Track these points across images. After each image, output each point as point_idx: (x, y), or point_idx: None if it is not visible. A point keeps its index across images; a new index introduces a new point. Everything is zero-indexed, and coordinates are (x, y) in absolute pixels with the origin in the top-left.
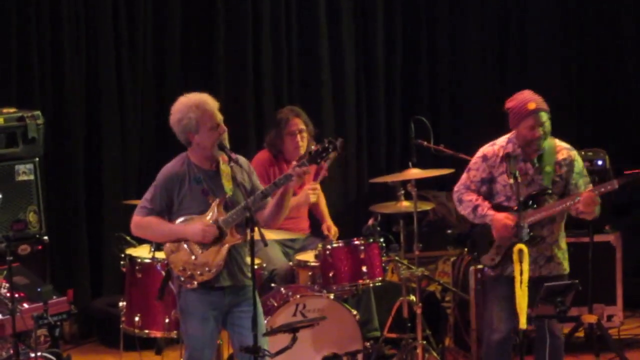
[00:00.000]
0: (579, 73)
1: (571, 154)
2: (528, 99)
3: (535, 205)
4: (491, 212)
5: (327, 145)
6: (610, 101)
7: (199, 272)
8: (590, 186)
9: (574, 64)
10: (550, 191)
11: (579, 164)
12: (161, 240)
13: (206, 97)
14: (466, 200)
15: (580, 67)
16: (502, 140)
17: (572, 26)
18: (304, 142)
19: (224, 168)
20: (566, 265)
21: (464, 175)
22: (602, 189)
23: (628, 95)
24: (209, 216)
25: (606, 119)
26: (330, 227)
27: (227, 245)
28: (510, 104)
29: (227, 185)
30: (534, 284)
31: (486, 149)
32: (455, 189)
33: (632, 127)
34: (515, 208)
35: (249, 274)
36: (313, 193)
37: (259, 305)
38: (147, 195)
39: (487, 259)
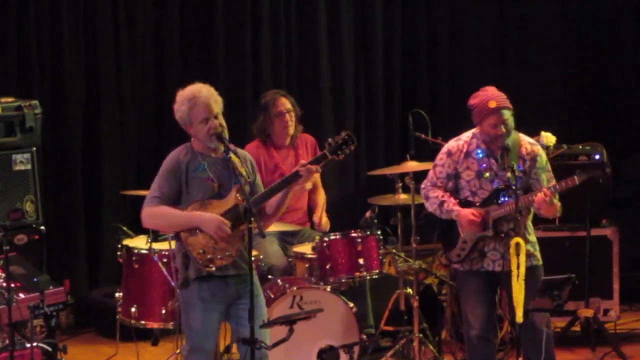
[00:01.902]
0: (578, 66)
1: (534, 149)
2: (489, 97)
3: (497, 202)
4: (457, 207)
5: (346, 137)
6: (609, 95)
7: (219, 256)
8: (553, 181)
9: (573, 57)
10: (514, 187)
11: (542, 158)
12: (175, 229)
13: (201, 89)
14: (432, 196)
15: (580, 60)
16: (467, 135)
17: (571, 19)
18: (292, 123)
19: (234, 155)
20: (539, 256)
21: (430, 172)
22: (564, 185)
23: (627, 89)
24: (230, 202)
25: (604, 112)
26: (320, 217)
27: (245, 231)
28: (472, 101)
29: (243, 171)
30: (507, 277)
31: (451, 144)
32: (422, 185)
33: (630, 121)
34: (479, 203)
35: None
36: (309, 183)
37: (262, 295)
38: (155, 185)
39: (454, 254)
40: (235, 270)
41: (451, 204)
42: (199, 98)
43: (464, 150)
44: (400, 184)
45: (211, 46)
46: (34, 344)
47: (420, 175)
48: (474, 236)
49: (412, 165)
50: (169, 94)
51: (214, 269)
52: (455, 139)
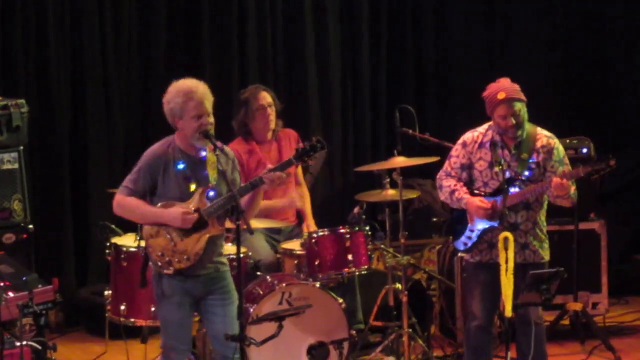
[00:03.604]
0: (566, 60)
1: (551, 142)
2: (500, 88)
3: (507, 192)
4: (466, 196)
5: (315, 143)
6: (596, 89)
7: (176, 259)
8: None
9: (560, 51)
10: (522, 178)
11: (559, 151)
12: (140, 221)
13: (197, 85)
14: (445, 185)
15: (567, 54)
16: (483, 127)
17: (557, 14)
18: (273, 117)
19: (210, 157)
20: (544, 253)
21: (446, 162)
22: (569, 176)
23: (614, 84)
24: (192, 204)
25: (592, 107)
26: (309, 227)
27: (207, 235)
28: (484, 93)
29: (212, 174)
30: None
31: (467, 135)
32: (438, 176)
33: (617, 115)
34: (489, 192)
35: (225, 261)
36: (300, 199)
37: (234, 293)
38: (131, 175)
39: (461, 243)
40: (206, 270)
41: (462, 192)
42: (196, 93)
43: (479, 141)
44: (388, 180)
45: (197, 44)
46: (24, 342)
47: (407, 171)
48: (481, 226)
49: (399, 161)
50: (155, 91)
51: (171, 271)
52: (471, 130)
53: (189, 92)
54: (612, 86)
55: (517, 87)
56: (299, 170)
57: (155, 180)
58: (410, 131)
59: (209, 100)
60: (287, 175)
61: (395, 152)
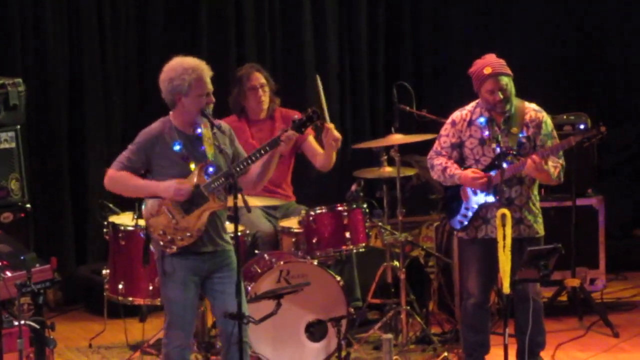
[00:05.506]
0: (563, 36)
1: (539, 116)
2: (486, 63)
3: (498, 167)
4: (459, 171)
5: (311, 114)
6: (594, 65)
7: (179, 237)
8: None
9: (557, 27)
10: (514, 152)
11: (547, 125)
12: (132, 194)
13: (203, 64)
14: (436, 164)
15: (564, 30)
16: (471, 105)
17: None
18: (265, 97)
19: (206, 132)
20: (538, 228)
21: (436, 142)
22: (559, 147)
23: (611, 59)
24: (191, 181)
25: (589, 82)
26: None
27: (208, 211)
28: (471, 69)
29: (209, 150)
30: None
31: (455, 114)
32: (428, 156)
33: (615, 90)
34: (480, 169)
35: (229, 239)
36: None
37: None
38: (125, 152)
39: (456, 221)
40: (213, 246)
41: (453, 168)
42: (203, 71)
43: (467, 119)
44: (386, 157)
45: (195, 21)
46: (22, 321)
47: (405, 148)
48: (476, 203)
49: (397, 138)
50: (152, 68)
51: (175, 249)
52: (460, 108)
53: (197, 69)
54: (610, 62)
55: (502, 61)
56: (312, 140)
57: (149, 159)
58: (408, 108)
59: (210, 78)
60: (281, 157)
61: (393, 129)
